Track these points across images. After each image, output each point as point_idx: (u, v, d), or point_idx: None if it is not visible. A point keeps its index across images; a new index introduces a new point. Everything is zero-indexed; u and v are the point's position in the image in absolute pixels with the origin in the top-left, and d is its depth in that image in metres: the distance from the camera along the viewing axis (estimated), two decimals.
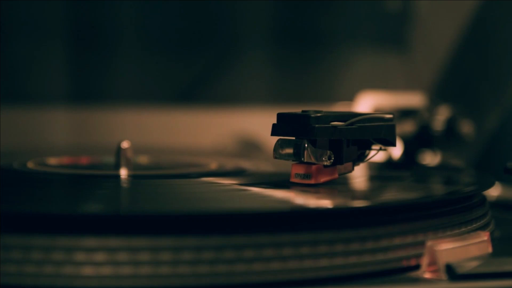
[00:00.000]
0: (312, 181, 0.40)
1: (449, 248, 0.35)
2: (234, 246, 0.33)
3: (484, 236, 0.38)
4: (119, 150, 0.48)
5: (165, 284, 0.32)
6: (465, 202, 0.40)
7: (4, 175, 0.48)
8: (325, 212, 0.36)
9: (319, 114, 0.40)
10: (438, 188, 0.48)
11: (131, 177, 0.46)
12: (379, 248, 0.35)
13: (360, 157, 0.43)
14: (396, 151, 0.61)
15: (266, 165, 0.54)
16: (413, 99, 0.67)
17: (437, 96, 0.73)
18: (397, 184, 0.48)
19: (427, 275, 0.35)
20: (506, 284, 0.34)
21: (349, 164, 0.43)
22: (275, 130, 0.41)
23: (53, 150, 0.68)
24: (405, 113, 0.64)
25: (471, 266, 0.35)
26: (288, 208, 0.36)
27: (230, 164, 0.54)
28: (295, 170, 0.41)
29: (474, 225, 0.40)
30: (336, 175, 0.42)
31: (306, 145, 0.40)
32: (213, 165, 0.52)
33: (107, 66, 0.78)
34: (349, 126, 0.41)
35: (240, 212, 0.34)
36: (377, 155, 0.44)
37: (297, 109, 0.42)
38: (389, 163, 0.59)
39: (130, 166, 0.48)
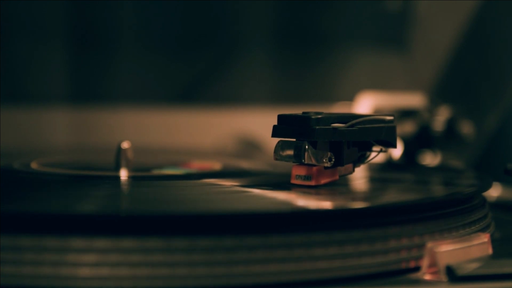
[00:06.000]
0: (312, 183, 0.40)
1: (449, 250, 0.35)
2: (229, 248, 0.33)
3: (484, 237, 0.38)
4: (119, 150, 0.48)
5: (167, 286, 0.32)
6: (465, 204, 0.40)
7: (4, 175, 0.48)
8: (325, 213, 0.36)
9: (319, 116, 0.40)
10: (438, 190, 0.48)
11: (131, 178, 0.46)
12: (379, 249, 0.35)
13: (361, 159, 0.43)
14: (396, 151, 0.61)
15: (267, 166, 0.54)
16: (413, 100, 0.66)
17: (437, 96, 0.73)
18: (397, 186, 0.48)
19: (427, 277, 0.35)
20: (506, 285, 0.34)
21: (350, 165, 0.43)
22: (275, 132, 0.41)
23: (53, 150, 0.68)
24: (405, 114, 0.64)
25: (471, 267, 0.35)
26: (287, 210, 0.36)
27: (230, 165, 0.54)
28: (296, 171, 0.41)
29: (474, 227, 0.40)
30: (337, 177, 0.42)
31: (306, 146, 0.40)
32: (213, 166, 0.52)
33: (107, 66, 0.78)
34: (349, 128, 0.41)
35: (239, 214, 0.34)
36: (377, 156, 0.44)
37: (297, 109, 0.42)
38: (389, 163, 0.59)
39: (130, 166, 0.48)
